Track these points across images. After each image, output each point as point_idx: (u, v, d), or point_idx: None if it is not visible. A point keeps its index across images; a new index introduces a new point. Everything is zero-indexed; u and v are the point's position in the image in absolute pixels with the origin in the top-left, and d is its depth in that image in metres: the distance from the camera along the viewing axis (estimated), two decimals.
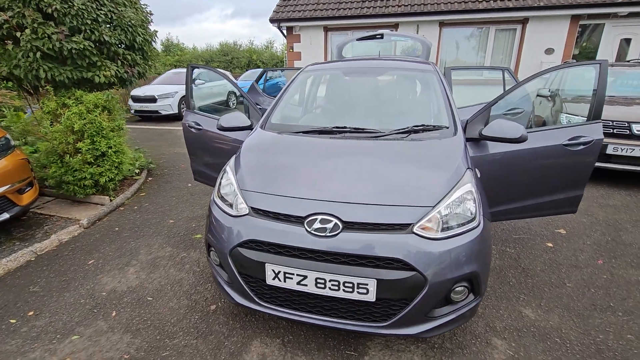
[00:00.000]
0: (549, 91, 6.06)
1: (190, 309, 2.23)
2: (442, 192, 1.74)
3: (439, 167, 1.90)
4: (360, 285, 1.60)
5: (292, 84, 2.98)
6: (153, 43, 4.94)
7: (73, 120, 3.65)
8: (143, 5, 5.18)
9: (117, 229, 3.43)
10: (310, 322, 1.73)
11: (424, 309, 1.65)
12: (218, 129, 2.71)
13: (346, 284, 1.61)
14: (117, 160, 4.01)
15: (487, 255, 1.77)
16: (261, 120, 2.65)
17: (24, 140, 4.18)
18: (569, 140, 2.52)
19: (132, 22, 4.22)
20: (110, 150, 3.91)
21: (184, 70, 13.47)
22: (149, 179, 5.04)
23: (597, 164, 4.61)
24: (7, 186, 3.03)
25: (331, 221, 1.65)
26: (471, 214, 1.74)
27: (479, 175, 2.19)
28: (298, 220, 1.70)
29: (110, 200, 4.02)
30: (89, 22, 3.71)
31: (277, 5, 10.04)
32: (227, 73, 13.56)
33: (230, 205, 1.90)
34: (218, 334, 2.02)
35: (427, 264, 1.58)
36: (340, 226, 1.64)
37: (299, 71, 3.12)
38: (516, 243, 3.12)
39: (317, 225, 1.65)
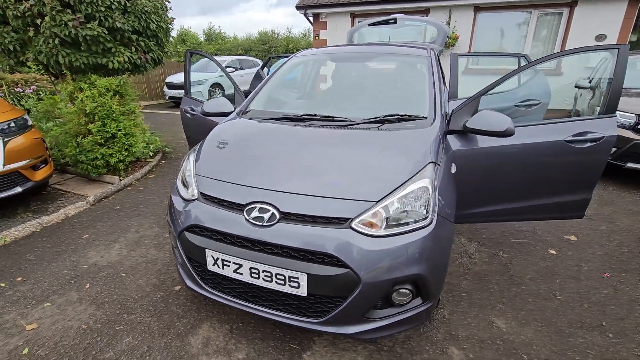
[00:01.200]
0: (590, 82, 5.44)
1: (155, 287, 2.31)
2: (392, 186, 1.62)
3: (397, 160, 1.77)
4: (291, 279, 1.55)
5: (280, 70, 2.93)
6: (170, 30, 5.09)
7: (85, 103, 3.88)
8: None
9: (118, 207, 3.63)
10: (249, 310, 1.72)
11: (360, 309, 1.56)
12: (202, 114, 2.74)
13: (278, 276, 1.57)
14: (126, 143, 4.23)
15: (439, 258, 1.63)
16: (240, 106, 2.64)
17: (48, 121, 4.53)
18: (574, 136, 2.24)
19: (146, 9, 4.36)
20: (120, 133, 4.13)
21: (219, 58, 13.89)
22: (162, 162, 5.27)
23: (632, 165, 4.10)
24: (22, 162, 3.30)
25: (269, 211, 1.60)
26: (423, 211, 1.60)
27: (453, 171, 2.02)
28: (239, 207, 1.67)
29: (120, 180, 4.26)
30: (102, 9, 3.89)
31: None
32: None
33: (187, 189, 1.92)
34: (173, 314, 2.07)
35: (362, 262, 1.48)
36: (277, 216, 1.59)
37: (291, 57, 3.05)
38: (513, 247, 2.87)
39: (255, 214, 1.61)
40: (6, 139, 3.17)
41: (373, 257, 1.50)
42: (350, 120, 2.15)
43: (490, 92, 3.37)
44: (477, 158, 2.29)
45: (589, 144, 2.24)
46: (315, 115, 2.25)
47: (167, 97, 12.19)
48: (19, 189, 3.28)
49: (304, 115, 2.26)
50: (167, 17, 5.08)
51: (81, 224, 3.25)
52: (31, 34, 3.81)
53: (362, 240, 1.51)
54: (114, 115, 4.05)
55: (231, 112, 2.61)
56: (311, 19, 9.90)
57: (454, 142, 2.24)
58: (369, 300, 1.54)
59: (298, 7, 9.55)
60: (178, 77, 11.93)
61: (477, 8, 8.40)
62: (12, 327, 1.96)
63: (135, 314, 2.07)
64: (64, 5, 3.79)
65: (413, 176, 1.67)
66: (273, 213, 1.59)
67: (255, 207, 1.63)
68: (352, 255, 1.49)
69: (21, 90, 5.73)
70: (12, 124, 3.34)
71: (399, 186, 1.62)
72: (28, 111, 5.17)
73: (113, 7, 4.00)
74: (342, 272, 1.48)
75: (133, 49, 4.44)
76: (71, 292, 2.27)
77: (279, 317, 1.66)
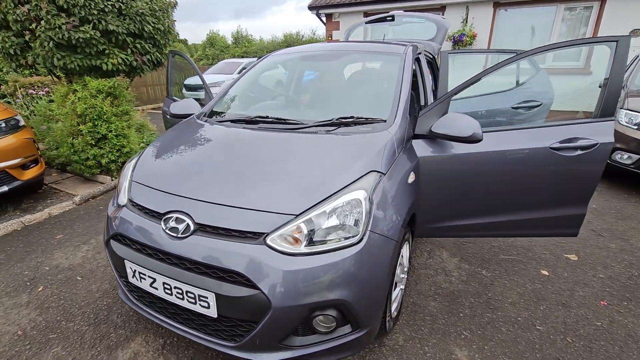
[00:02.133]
0: None
1: (105, 294, 2.25)
2: (318, 198, 1.44)
3: (334, 168, 1.58)
4: (201, 298, 1.41)
5: (250, 71, 2.81)
6: (170, 32, 5.12)
7: (77, 104, 3.96)
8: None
9: (102, 207, 3.66)
10: (169, 328, 1.59)
11: (275, 335, 1.39)
12: (169, 115, 2.67)
13: (189, 294, 1.43)
14: (118, 144, 4.27)
15: (371, 281, 1.43)
16: (203, 108, 2.54)
17: (48, 122, 4.69)
18: (561, 142, 1.96)
19: (141, 11, 4.39)
20: (110, 134, 4.17)
21: (236, 60, 14.14)
22: None
23: None
24: (9, 162, 3.40)
25: (184, 221, 1.47)
26: (353, 227, 1.41)
27: (410, 180, 1.80)
28: (158, 216, 1.56)
29: (112, 180, 4.31)
30: (95, 12, 3.95)
31: None
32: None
33: (120, 195, 1.83)
34: (111, 324, 1.99)
35: (274, 283, 1.32)
36: (192, 228, 1.46)
37: (263, 57, 2.93)
38: (500, 265, 2.57)
39: (171, 224, 1.49)
40: None
41: (288, 278, 1.32)
42: (303, 124, 1.98)
43: (483, 93, 3.08)
44: (450, 166, 2.05)
45: (579, 152, 1.95)
46: (267, 117, 2.10)
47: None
48: (4, 188, 3.36)
49: (255, 117, 2.12)
50: (169, 19, 5.12)
51: (60, 224, 3.28)
52: (28, 37, 3.93)
53: (277, 259, 1.34)
54: (105, 116, 4.10)
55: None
56: (324, 19, 9.77)
57: (424, 148, 2.02)
58: (284, 327, 1.37)
59: (310, 8, 9.45)
60: (196, 79, 12.18)
61: (497, 4, 7.91)
62: None
63: (75, 321, 2.01)
64: (59, 9, 3.88)
65: (346, 186, 1.48)
66: (188, 224, 1.46)
67: (172, 217, 1.51)
68: (263, 275, 1.32)
69: (34, 92, 6.01)
70: (3, 125, 3.44)
71: (327, 198, 1.44)
72: (33, 112, 5.38)
73: (106, 10, 4.05)
74: (252, 294, 1.32)
75: (129, 51, 4.49)
76: (23, 295, 2.25)
77: (196, 337, 1.53)
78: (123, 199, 1.76)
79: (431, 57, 3.36)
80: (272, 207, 1.42)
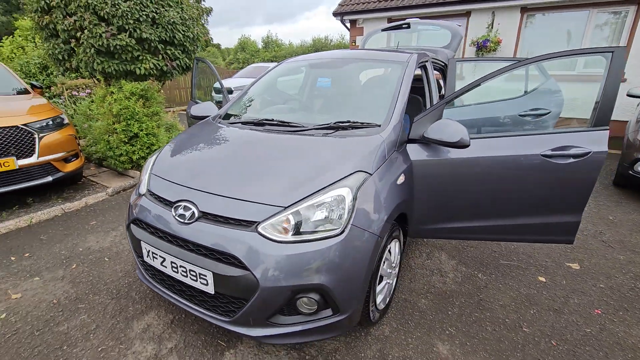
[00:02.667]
0: None
1: (126, 274, 2.53)
2: (306, 192, 1.61)
3: (324, 167, 1.75)
4: (201, 276, 1.62)
5: (264, 76, 3.03)
6: (199, 39, 5.50)
7: (112, 105, 4.37)
8: (206, 7, 5.81)
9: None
10: (174, 302, 1.82)
11: (263, 313, 1.57)
12: (190, 117, 2.94)
13: (191, 272, 1.65)
14: (148, 142, 4.65)
15: (350, 270, 1.58)
16: (219, 110, 2.78)
17: (88, 120, 5.17)
18: (553, 150, 2.01)
19: (173, 20, 4.78)
20: (141, 133, 4.56)
21: (264, 64, 14.63)
22: None
23: None
24: (54, 155, 3.83)
25: (190, 209, 1.69)
26: (336, 220, 1.57)
27: (399, 182, 1.93)
28: (169, 204, 1.79)
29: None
30: (131, 22, 4.36)
31: None
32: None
33: (141, 185, 2.10)
34: (130, 299, 2.26)
35: (262, 266, 1.50)
36: (197, 215, 1.67)
37: (278, 64, 3.15)
38: (498, 270, 2.62)
39: (180, 211, 1.72)
40: (41, 135, 3.69)
41: (274, 262, 1.50)
42: (303, 126, 2.17)
43: (486, 101, 3.14)
44: (442, 170, 2.15)
45: (571, 160, 1.99)
46: (272, 120, 2.30)
47: (214, 101, 13.08)
48: (49, 178, 3.79)
49: (262, 120, 2.33)
50: (199, 27, 5.50)
51: (94, 212, 3.66)
52: (73, 44, 4.40)
53: (266, 245, 1.52)
54: (137, 116, 4.49)
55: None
56: (348, 25, 9.94)
57: (419, 152, 2.14)
58: (270, 305, 1.55)
59: (335, 14, 9.65)
60: (226, 83, 12.74)
61: (525, 9, 7.75)
62: (2, 295, 2.30)
63: (100, 295, 2.30)
64: (100, 19, 4.32)
65: (333, 184, 1.64)
66: (193, 212, 1.68)
67: (181, 205, 1.73)
68: (253, 258, 1.51)
69: (77, 94, 6.61)
70: (50, 122, 3.87)
71: (314, 193, 1.61)
72: (76, 111, 5.93)
73: (141, 19, 4.45)
74: (242, 274, 1.51)
75: (160, 56, 4.88)
76: (59, 270, 2.58)
77: (197, 311, 1.74)
78: (143, 189, 2.02)
79: (443, 64, 3.44)
80: (265, 199, 1.61)
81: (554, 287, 2.43)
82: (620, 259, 2.76)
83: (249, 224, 1.57)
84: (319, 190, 1.62)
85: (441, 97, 3.33)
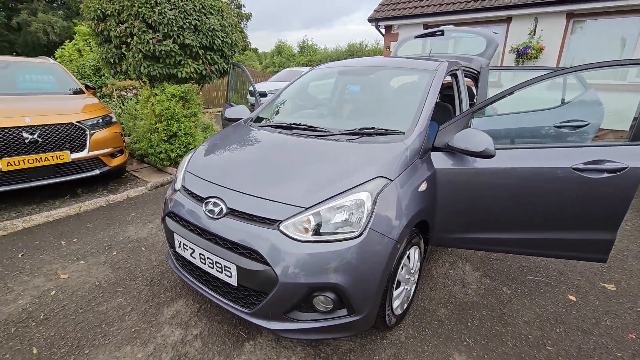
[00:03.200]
0: None
1: (160, 263, 2.72)
2: (327, 195, 1.68)
3: (346, 171, 1.81)
4: (226, 268, 1.73)
5: (295, 82, 3.14)
6: (237, 45, 5.77)
7: (155, 106, 4.69)
8: (246, 12, 6.09)
9: None
10: (200, 291, 1.95)
11: (281, 307, 1.65)
12: (224, 119, 3.12)
13: (217, 264, 1.76)
14: (185, 141, 4.94)
15: (366, 273, 1.62)
16: (251, 113, 2.93)
17: (134, 119, 5.58)
18: (586, 164, 1.94)
19: (213, 27, 5.05)
20: (180, 132, 4.85)
21: (298, 69, 14.95)
22: None
23: None
24: (104, 150, 4.17)
25: (219, 205, 1.81)
26: (355, 223, 1.62)
27: (421, 189, 1.95)
28: (201, 200, 1.93)
29: None
30: (176, 29, 4.67)
31: (379, 5, 9.98)
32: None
33: (177, 182, 2.26)
34: (162, 287, 2.43)
35: (282, 262, 1.58)
36: (224, 211, 1.79)
37: (309, 70, 3.25)
38: (524, 285, 2.54)
39: (210, 207, 1.84)
40: (92, 132, 4.04)
41: (293, 259, 1.58)
42: (329, 131, 2.24)
43: (518, 111, 3.06)
44: (467, 179, 2.14)
45: (605, 175, 1.91)
46: (300, 124, 2.39)
47: (249, 104, 13.55)
48: (97, 171, 4.13)
49: (290, 124, 2.43)
50: (237, 33, 5.77)
51: (134, 205, 3.94)
52: (124, 49, 4.78)
53: (286, 243, 1.61)
54: (177, 117, 4.79)
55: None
56: (383, 31, 9.94)
57: (444, 161, 2.14)
58: (288, 300, 1.63)
59: (370, 20, 9.69)
60: (259, 86, 13.15)
61: (571, 15, 7.37)
62: (53, 274, 2.56)
63: (136, 281, 2.49)
64: (148, 27, 4.66)
65: (353, 188, 1.70)
66: (222, 208, 1.80)
67: (211, 201, 1.86)
68: (273, 255, 1.60)
69: (125, 94, 7.13)
70: (100, 120, 4.23)
71: (335, 196, 1.67)
72: (123, 111, 6.39)
73: (185, 27, 4.75)
74: (263, 269, 1.60)
75: (200, 61, 5.17)
76: (101, 256, 2.82)
77: (221, 302, 1.85)
78: (178, 185, 2.18)
79: (476, 72, 3.39)
80: (287, 200, 1.69)
81: (585, 307, 2.31)
82: None
83: (271, 222, 1.66)
84: (340, 193, 1.68)
85: (472, 105, 3.28)
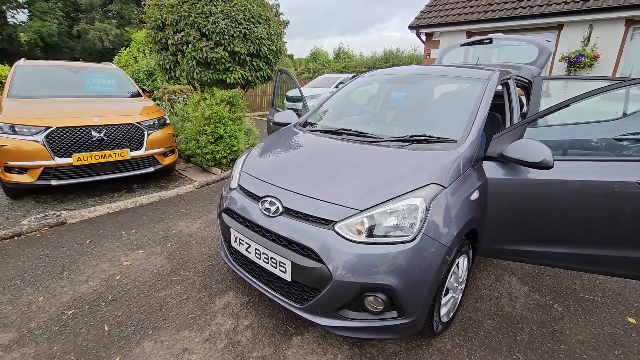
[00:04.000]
0: None
1: (211, 257, 2.89)
2: (381, 199, 1.73)
3: (400, 176, 1.85)
4: (280, 264, 1.83)
5: (343, 89, 3.23)
6: (281, 52, 5.99)
7: (205, 109, 4.98)
8: (282, 19, 6.34)
9: (213, 193, 4.52)
10: (252, 284, 2.06)
11: (333, 304, 1.72)
12: (273, 123, 3.27)
13: (272, 260, 1.87)
14: (230, 143, 5.19)
15: (418, 276, 1.65)
16: (299, 119, 3.05)
17: (184, 122, 5.94)
18: None
19: (260, 36, 5.29)
20: (226, 135, 5.11)
21: (334, 75, 15.13)
22: None
23: None
24: (157, 149, 4.49)
25: (276, 204, 1.92)
26: (408, 227, 1.66)
27: (473, 198, 1.95)
28: (257, 199, 2.05)
29: (222, 172, 5.25)
30: (227, 37, 4.94)
31: (420, 12, 9.93)
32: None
33: (232, 181, 2.41)
34: (213, 279, 2.58)
35: (336, 261, 1.65)
36: (281, 210, 1.89)
37: (356, 76, 3.33)
38: (577, 303, 2.43)
39: (266, 205, 1.96)
40: (149, 132, 4.37)
41: (347, 259, 1.65)
42: (380, 138, 2.29)
43: (576, 122, 2.96)
44: (519, 190, 2.11)
45: None
46: (350, 130, 2.47)
47: (286, 109, 13.91)
48: (151, 169, 4.45)
49: (340, 129, 2.51)
50: (280, 41, 5.99)
51: (184, 201, 4.20)
52: (179, 57, 5.13)
53: (341, 243, 1.68)
54: (224, 120, 5.05)
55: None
56: (424, 38, 9.86)
57: (496, 170, 2.13)
58: (340, 298, 1.69)
59: (411, 27, 9.65)
60: (296, 92, 13.45)
61: (631, 22, 6.93)
62: (117, 260, 2.80)
63: (189, 271, 2.67)
64: (202, 35, 4.98)
65: (407, 193, 1.74)
66: (278, 207, 1.91)
67: (267, 200, 1.97)
68: (328, 253, 1.67)
69: (175, 98, 7.60)
70: (156, 122, 4.56)
71: (389, 200, 1.72)
72: (176, 113, 6.81)
73: (235, 35, 5.02)
74: (318, 267, 1.68)
75: (247, 67, 5.43)
76: (157, 246, 3.04)
77: (273, 295, 1.95)
78: (234, 184, 2.32)
79: (527, 81, 3.31)
80: (343, 202, 1.77)
81: None
82: None
83: (327, 223, 1.74)
84: (394, 197, 1.73)
85: (522, 115, 3.20)
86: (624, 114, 2.96)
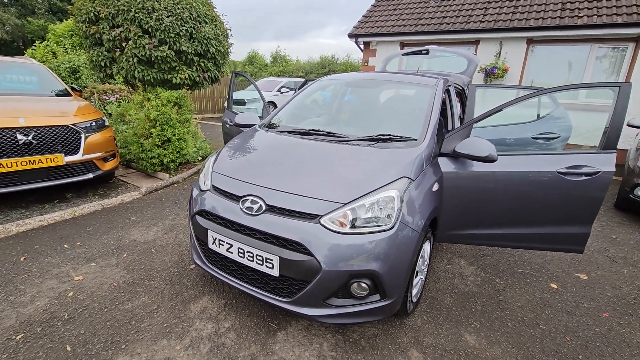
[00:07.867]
0: None
1: (175, 264, 2.76)
2: (361, 192, 1.88)
3: (374, 171, 2.02)
4: (267, 260, 1.86)
5: (304, 91, 3.34)
6: (228, 53, 5.88)
7: (150, 111, 4.67)
8: (224, 21, 6.22)
9: (163, 199, 4.26)
10: (235, 286, 2.05)
11: (321, 294, 1.81)
12: (234, 125, 3.23)
13: (258, 257, 1.89)
14: (178, 146, 4.94)
15: (397, 260, 1.83)
16: (264, 120, 3.08)
17: (123, 124, 5.47)
18: (568, 168, 2.30)
19: (208, 35, 5.15)
20: (174, 137, 4.85)
21: (276, 79, 15.12)
22: None
23: None
24: (96, 154, 4.09)
25: (258, 203, 1.95)
26: (386, 217, 1.83)
27: (434, 189, 2.20)
28: (237, 198, 2.05)
29: (170, 177, 4.96)
30: (172, 35, 4.72)
31: (358, 22, 10.51)
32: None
33: (204, 182, 2.36)
34: (183, 285, 2.48)
35: (324, 252, 1.75)
36: (264, 208, 1.93)
37: (315, 80, 3.47)
38: (512, 276, 2.87)
39: (247, 204, 1.97)
40: (87, 135, 3.96)
41: (334, 249, 1.76)
42: (348, 137, 2.45)
43: (506, 123, 3.46)
44: (469, 182, 2.43)
45: (583, 178, 2.28)
46: (319, 130, 2.59)
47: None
48: (90, 175, 4.03)
49: (309, 130, 2.62)
50: (227, 42, 5.88)
51: (132, 209, 3.89)
52: (117, 54, 4.74)
53: (328, 235, 1.78)
54: (171, 122, 4.79)
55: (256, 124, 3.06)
56: (362, 46, 10.44)
57: (448, 165, 2.41)
58: (329, 287, 1.79)
59: (350, 36, 10.15)
60: (239, 94, 13.17)
61: (531, 41, 8.24)
62: (65, 276, 2.52)
63: (155, 280, 2.52)
64: (144, 32, 4.67)
65: (383, 186, 1.92)
66: (261, 205, 1.94)
67: (248, 199, 1.99)
68: (316, 246, 1.76)
69: (107, 98, 6.94)
70: (94, 123, 4.15)
71: (368, 193, 1.88)
72: (110, 114, 6.24)
73: (181, 34, 4.81)
74: (307, 259, 1.76)
75: (194, 68, 5.23)
76: (112, 258, 2.80)
77: (257, 293, 1.97)
78: (207, 184, 2.28)
79: (460, 88, 3.78)
80: (326, 197, 1.87)
81: (565, 293, 2.67)
82: (624, 272, 3.02)
83: (312, 217, 1.83)
84: (372, 191, 1.89)
85: (460, 119, 3.65)
86: (538, 117, 3.57)
